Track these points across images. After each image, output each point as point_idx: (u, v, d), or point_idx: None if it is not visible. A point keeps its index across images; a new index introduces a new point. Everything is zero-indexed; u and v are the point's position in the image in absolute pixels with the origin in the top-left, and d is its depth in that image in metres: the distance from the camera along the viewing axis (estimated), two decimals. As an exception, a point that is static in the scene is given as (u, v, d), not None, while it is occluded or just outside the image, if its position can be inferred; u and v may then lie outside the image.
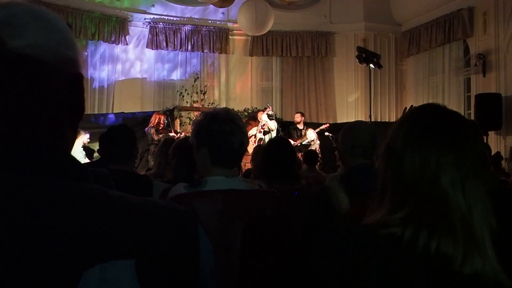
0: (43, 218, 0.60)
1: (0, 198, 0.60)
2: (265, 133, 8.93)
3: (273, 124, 9.08)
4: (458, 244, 0.83)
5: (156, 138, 7.89)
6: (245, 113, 9.99)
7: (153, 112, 8.76)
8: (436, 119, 0.94)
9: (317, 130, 9.22)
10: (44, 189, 0.63)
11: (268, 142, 3.20)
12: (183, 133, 8.49)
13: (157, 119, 8.10)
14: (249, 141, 1.81)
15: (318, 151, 8.90)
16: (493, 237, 0.86)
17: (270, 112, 9.89)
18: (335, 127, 9.36)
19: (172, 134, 8.05)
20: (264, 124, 9.02)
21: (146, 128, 8.01)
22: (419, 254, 0.84)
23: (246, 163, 6.78)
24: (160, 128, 8.11)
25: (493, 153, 5.76)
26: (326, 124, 9.57)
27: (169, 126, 8.61)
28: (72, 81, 0.71)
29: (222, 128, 1.73)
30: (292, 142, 8.11)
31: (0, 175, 0.62)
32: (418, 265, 0.84)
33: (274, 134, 8.95)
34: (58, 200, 0.62)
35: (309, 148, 8.55)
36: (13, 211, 0.60)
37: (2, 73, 0.66)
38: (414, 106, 2.28)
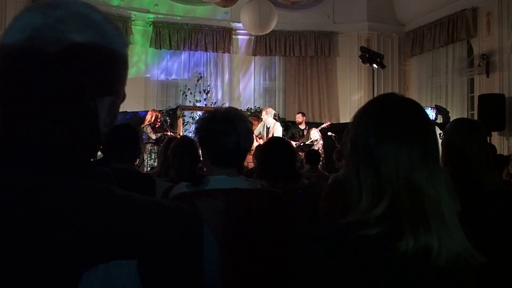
0: (48, 215, 0.60)
1: (5, 194, 0.61)
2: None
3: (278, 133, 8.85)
4: (433, 232, 0.85)
5: (153, 137, 7.66)
6: (248, 113, 9.98)
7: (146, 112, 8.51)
8: (403, 114, 0.96)
9: (319, 128, 9.20)
10: (50, 185, 0.62)
11: (264, 143, 3.18)
12: (177, 133, 8.39)
13: (153, 117, 7.84)
14: (250, 141, 1.78)
15: (321, 151, 8.88)
16: (459, 218, 0.90)
17: (273, 112, 9.85)
18: (337, 127, 9.35)
19: (169, 133, 7.92)
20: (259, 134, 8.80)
21: (142, 126, 7.69)
22: (397, 253, 0.85)
23: (249, 163, 6.77)
24: (157, 126, 7.90)
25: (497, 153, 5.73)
26: (327, 122, 9.54)
27: (166, 124, 8.48)
28: (99, 89, 0.70)
29: (217, 128, 1.72)
30: (293, 142, 8.09)
31: (4, 171, 0.62)
32: (397, 263, 0.85)
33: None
34: (64, 197, 0.62)
35: (312, 148, 8.53)
36: (18, 207, 0.60)
37: (31, 71, 0.66)
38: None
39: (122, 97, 0.76)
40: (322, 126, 9.30)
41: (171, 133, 7.92)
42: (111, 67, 0.72)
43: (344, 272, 0.85)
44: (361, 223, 0.88)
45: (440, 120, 2.08)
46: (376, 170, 0.92)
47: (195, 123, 1.90)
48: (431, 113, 2.07)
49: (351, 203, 0.95)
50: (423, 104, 2.66)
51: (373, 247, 0.86)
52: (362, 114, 0.99)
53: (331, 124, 9.72)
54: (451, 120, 2.45)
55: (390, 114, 0.96)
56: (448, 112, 2.17)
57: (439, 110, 2.11)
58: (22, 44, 0.66)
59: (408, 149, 0.91)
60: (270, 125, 8.84)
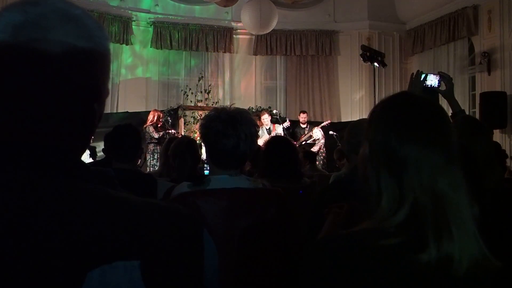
0: (48, 218, 0.60)
1: (5, 197, 0.60)
2: None
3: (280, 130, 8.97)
4: (455, 241, 0.82)
5: (156, 136, 7.71)
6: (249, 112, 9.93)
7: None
8: (425, 115, 0.92)
9: (319, 127, 9.20)
10: (49, 188, 0.62)
11: (266, 142, 3.18)
12: (179, 133, 8.41)
13: (155, 116, 7.90)
14: (251, 145, 1.75)
15: (322, 150, 8.89)
16: (478, 224, 0.87)
17: (275, 111, 9.85)
18: (339, 126, 9.34)
19: (171, 131, 7.93)
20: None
21: (144, 126, 7.74)
22: (418, 264, 0.81)
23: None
24: (159, 125, 7.93)
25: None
26: (327, 121, 9.53)
27: (168, 123, 8.51)
28: (89, 90, 0.70)
29: (216, 128, 1.70)
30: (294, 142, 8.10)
31: (5, 174, 0.62)
32: (418, 275, 0.82)
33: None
34: (62, 200, 0.62)
35: (313, 147, 8.57)
36: (18, 210, 0.60)
37: (23, 71, 0.65)
38: (420, 70, 2.25)
39: (107, 93, 0.77)
40: (323, 124, 9.29)
41: (173, 132, 7.93)
42: (105, 69, 0.73)
43: (363, 285, 0.82)
44: (380, 231, 0.84)
45: (443, 87, 2.09)
46: (398, 174, 0.88)
47: (201, 119, 1.87)
48: (435, 79, 2.09)
49: (369, 206, 0.90)
50: (425, 70, 2.62)
51: (393, 258, 0.82)
52: (382, 115, 0.95)
53: (333, 123, 9.72)
54: (454, 89, 2.43)
55: (412, 116, 0.92)
56: (451, 78, 2.17)
57: (442, 76, 2.10)
58: (12, 43, 0.65)
59: (431, 152, 0.87)
60: (269, 126, 8.92)
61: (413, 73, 2.34)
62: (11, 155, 0.64)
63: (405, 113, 0.93)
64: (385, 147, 0.90)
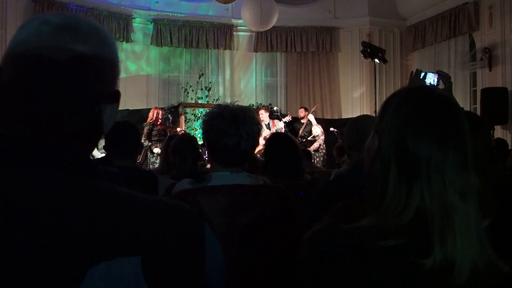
0: (53, 213, 0.60)
1: (9, 192, 0.61)
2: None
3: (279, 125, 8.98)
4: (457, 247, 0.79)
5: (145, 143, 7.41)
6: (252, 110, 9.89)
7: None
8: (442, 114, 0.87)
9: (311, 111, 9.20)
10: (55, 183, 0.63)
11: (267, 139, 3.18)
12: (181, 130, 8.37)
13: (155, 114, 7.88)
14: (252, 144, 1.74)
15: (322, 147, 8.89)
16: (487, 231, 0.83)
17: (275, 108, 9.84)
18: (340, 123, 9.33)
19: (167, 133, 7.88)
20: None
21: (144, 124, 7.71)
22: (419, 268, 0.78)
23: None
24: (159, 123, 7.88)
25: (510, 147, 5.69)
26: (315, 105, 9.56)
27: (169, 122, 8.49)
28: (111, 96, 0.76)
29: (218, 126, 1.70)
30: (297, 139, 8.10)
31: (8, 169, 0.63)
32: (419, 280, 0.80)
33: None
34: (68, 196, 0.63)
35: (313, 144, 8.58)
36: (22, 205, 0.60)
37: (58, 69, 0.69)
38: (419, 69, 2.24)
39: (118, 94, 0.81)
40: (312, 110, 9.28)
41: (172, 131, 7.89)
42: (113, 73, 0.78)
43: (360, 284, 0.80)
44: (381, 231, 0.81)
45: (442, 85, 2.07)
46: (408, 176, 0.83)
47: (204, 115, 1.86)
48: (433, 78, 2.07)
49: (372, 201, 0.87)
50: (426, 66, 2.63)
51: (393, 261, 0.79)
52: (399, 108, 0.88)
53: (333, 120, 9.72)
54: (454, 85, 2.43)
55: (431, 114, 0.86)
56: (450, 77, 2.15)
57: (441, 75, 2.09)
58: (31, 51, 0.69)
59: (447, 155, 0.83)
60: (268, 122, 8.93)
61: (412, 71, 2.35)
62: (23, 151, 0.65)
63: (424, 110, 0.87)
64: (398, 144, 0.85)
